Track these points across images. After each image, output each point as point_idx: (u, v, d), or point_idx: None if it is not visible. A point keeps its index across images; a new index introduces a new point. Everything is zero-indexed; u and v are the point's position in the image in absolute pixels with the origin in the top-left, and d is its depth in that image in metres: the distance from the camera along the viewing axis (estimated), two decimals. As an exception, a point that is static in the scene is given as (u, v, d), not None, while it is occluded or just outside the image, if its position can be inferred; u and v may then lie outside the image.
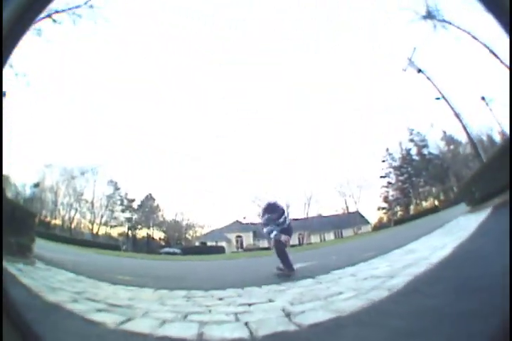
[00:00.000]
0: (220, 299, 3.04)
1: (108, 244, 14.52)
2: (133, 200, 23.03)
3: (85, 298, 2.59)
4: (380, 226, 26.38)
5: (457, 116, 11.21)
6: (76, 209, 18.94)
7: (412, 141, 29.45)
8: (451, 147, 22.47)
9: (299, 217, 29.17)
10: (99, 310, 2.17)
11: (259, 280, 4.40)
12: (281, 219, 5.30)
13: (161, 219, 22.37)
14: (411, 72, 13.56)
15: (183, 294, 3.53)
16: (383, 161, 31.81)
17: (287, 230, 5.31)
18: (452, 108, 11.41)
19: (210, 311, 2.46)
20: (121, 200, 22.39)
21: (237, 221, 26.69)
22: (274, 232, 5.19)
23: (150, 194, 26.28)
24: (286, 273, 4.91)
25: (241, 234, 25.71)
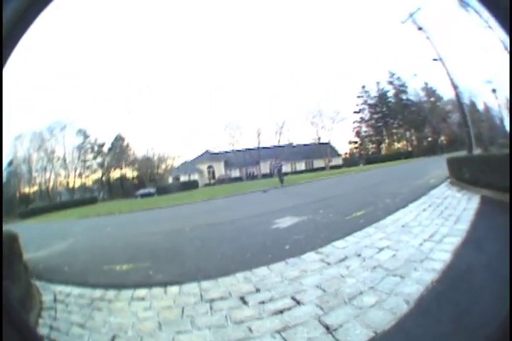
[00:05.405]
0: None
1: (85, 199, 15.20)
2: (103, 144, 22.95)
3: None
4: (351, 162, 27.62)
5: (448, 75, 12.05)
6: (50, 170, 18.99)
7: (391, 83, 28.44)
8: (432, 99, 22.26)
9: (270, 146, 30.29)
10: None
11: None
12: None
13: (133, 157, 22.97)
14: (410, 27, 14.21)
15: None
16: (358, 97, 31.21)
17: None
18: (446, 68, 12.33)
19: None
20: (92, 147, 22.28)
21: (207, 151, 27.69)
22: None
23: (119, 134, 26.00)
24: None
25: (212, 164, 27.18)
